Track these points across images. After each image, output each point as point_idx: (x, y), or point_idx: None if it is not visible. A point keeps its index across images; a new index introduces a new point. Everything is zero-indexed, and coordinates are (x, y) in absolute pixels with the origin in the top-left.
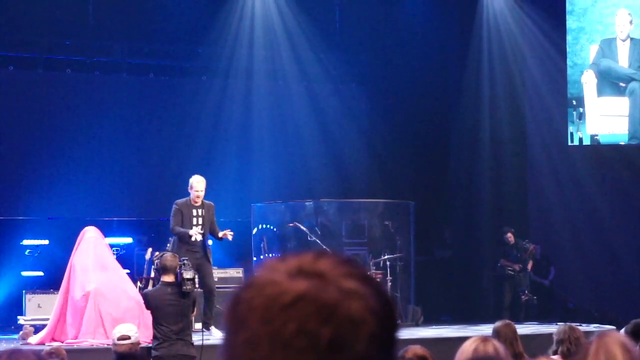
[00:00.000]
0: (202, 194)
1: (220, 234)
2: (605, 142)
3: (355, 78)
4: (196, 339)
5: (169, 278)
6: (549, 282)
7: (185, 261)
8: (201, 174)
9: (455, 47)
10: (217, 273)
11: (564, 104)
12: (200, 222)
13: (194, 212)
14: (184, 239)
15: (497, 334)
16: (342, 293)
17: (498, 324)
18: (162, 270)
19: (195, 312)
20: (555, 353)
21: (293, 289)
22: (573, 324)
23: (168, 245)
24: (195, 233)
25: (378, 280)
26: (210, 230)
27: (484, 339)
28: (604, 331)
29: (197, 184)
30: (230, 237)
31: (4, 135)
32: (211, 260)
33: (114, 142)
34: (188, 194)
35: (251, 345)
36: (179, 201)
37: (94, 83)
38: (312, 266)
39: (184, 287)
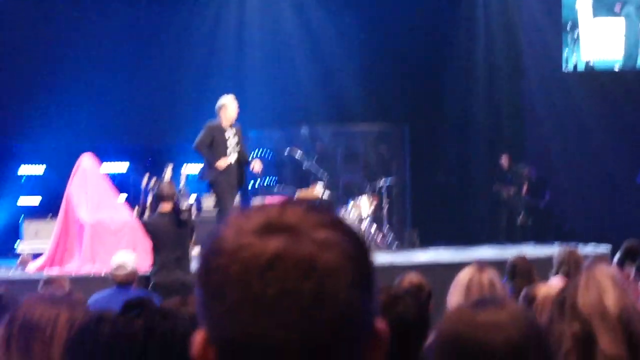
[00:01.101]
0: (236, 114)
1: (251, 165)
2: (600, 68)
3: (348, 2)
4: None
5: (166, 206)
6: (544, 205)
7: (181, 190)
8: (195, 99)
9: None
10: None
11: (558, 27)
12: (233, 146)
13: (227, 135)
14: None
15: (513, 267)
16: (316, 245)
17: (514, 257)
18: (159, 198)
19: (193, 240)
20: (556, 274)
21: (267, 249)
22: (572, 247)
23: (165, 169)
24: (223, 163)
25: (349, 224)
26: (241, 155)
27: (480, 268)
28: (592, 263)
29: (233, 103)
30: (258, 169)
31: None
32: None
33: (109, 68)
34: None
35: (232, 315)
36: (211, 124)
37: (88, 9)
38: (280, 220)
39: (181, 216)
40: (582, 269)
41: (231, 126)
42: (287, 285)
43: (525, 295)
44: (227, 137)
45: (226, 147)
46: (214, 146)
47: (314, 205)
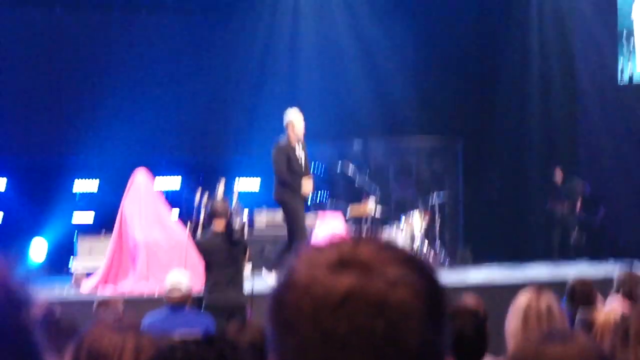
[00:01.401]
0: (304, 129)
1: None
2: None
3: (402, 12)
4: (247, 286)
5: (219, 224)
6: (598, 221)
7: (234, 206)
8: (248, 113)
9: None
10: (266, 215)
11: (614, 39)
12: (303, 162)
13: (297, 152)
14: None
15: (572, 291)
16: (388, 282)
17: (574, 281)
18: (213, 216)
19: (246, 260)
20: (617, 292)
21: (339, 286)
22: (633, 271)
23: (218, 184)
24: (307, 192)
25: (422, 260)
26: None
27: (538, 292)
28: None
29: (299, 118)
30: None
31: (53, 77)
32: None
33: (162, 82)
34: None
35: (304, 350)
36: (281, 143)
37: (142, 23)
38: (353, 256)
39: (234, 236)
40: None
41: (299, 142)
42: (358, 323)
43: (583, 320)
44: (298, 156)
45: (300, 165)
46: (289, 165)
47: (387, 242)
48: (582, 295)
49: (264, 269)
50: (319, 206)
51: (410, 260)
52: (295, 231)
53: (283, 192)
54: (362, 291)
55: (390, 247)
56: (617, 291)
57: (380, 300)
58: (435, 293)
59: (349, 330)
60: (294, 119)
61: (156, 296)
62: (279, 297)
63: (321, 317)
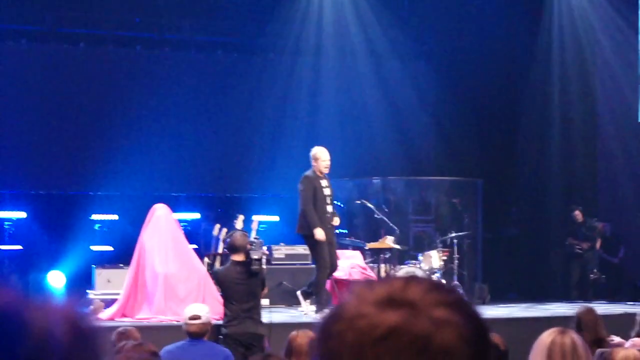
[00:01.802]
0: (328, 167)
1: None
2: None
3: (423, 55)
4: (265, 317)
5: (238, 257)
6: (618, 261)
7: (255, 241)
8: (268, 151)
9: (525, 23)
10: (284, 250)
11: (635, 80)
12: (329, 192)
13: (323, 184)
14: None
15: (579, 320)
16: (433, 323)
17: (580, 310)
18: (232, 249)
19: (265, 291)
20: (637, 335)
21: (384, 321)
22: None
23: (235, 221)
24: (321, 236)
25: (471, 305)
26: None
27: (562, 331)
28: None
29: (324, 154)
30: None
31: (75, 111)
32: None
33: (182, 119)
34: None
35: None
36: (308, 175)
37: (163, 60)
38: (402, 295)
39: (253, 267)
40: None
41: (324, 176)
42: (399, 359)
43: (601, 357)
44: (324, 188)
45: (325, 197)
46: (315, 199)
47: (438, 284)
48: (588, 325)
49: (300, 297)
50: (338, 243)
51: (458, 304)
52: (318, 264)
53: (307, 225)
54: (407, 328)
55: (440, 289)
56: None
57: (424, 339)
58: (481, 338)
59: None
60: (319, 151)
61: (174, 325)
62: (326, 327)
63: (364, 350)
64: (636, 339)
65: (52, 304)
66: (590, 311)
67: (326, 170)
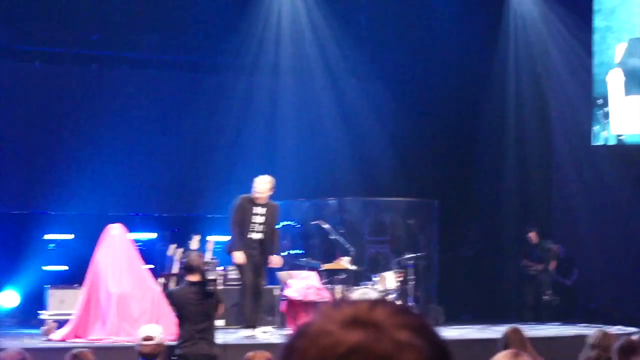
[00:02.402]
0: (259, 194)
1: (270, 260)
2: (631, 142)
3: (380, 75)
4: (219, 338)
5: (194, 277)
6: (571, 283)
7: (211, 262)
8: (225, 171)
9: (481, 45)
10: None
11: (589, 103)
12: (261, 220)
13: (254, 209)
14: (238, 240)
15: (506, 339)
16: (396, 345)
17: (507, 329)
18: (188, 269)
19: (220, 312)
20: (587, 359)
21: (347, 340)
22: (606, 329)
23: (190, 241)
24: (239, 259)
25: (435, 329)
26: (269, 231)
27: (515, 354)
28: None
29: (258, 183)
30: (275, 264)
31: (29, 130)
32: (276, 253)
33: (139, 138)
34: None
35: None
36: (241, 197)
37: (120, 78)
38: (367, 315)
39: (208, 288)
40: (614, 352)
41: (262, 204)
42: None
43: None
44: (254, 212)
45: (252, 228)
46: (243, 220)
47: (404, 307)
48: (515, 343)
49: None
50: (293, 264)
51: (423, 327)
52: (241, 286)
53: (232, 245)
54: (369, 348)
55: (406, 312)
56: (590, 357)
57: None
58: None
59: None
60: (256, 179)
61: (128, 345)
62: (290, 343)
63: None
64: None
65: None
66: (517, 331)
67: (259, 199)
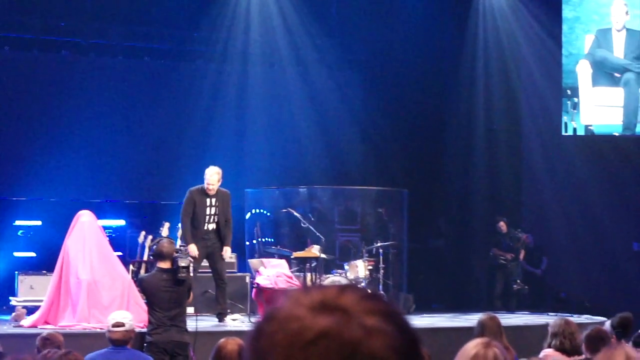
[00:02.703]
0: (212, 186)
1: (224, 250)
2: (600, 133)
3: (350, 64)
4: (190, 325)
5: (164, 264)
6: (541, 272)
7: (182, 248)
8: (195, 158)
9: (450, 35)
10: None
11: (558, 93)
12: (213, 211)
13: (207, 201)
14: (190, 232)
15: (482, 326)
16: (364, 330)
17: (483, 317)
18: (158, 256)
19: (190, 299)
20: (549, 346)
21: (315, 325)
22: (568, 317)
23: (161, 228)
24: (194, 252)
25: (404, 315)
26: (222, 219)
27: (486, 344)
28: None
29: (208, 175)
30: (226, 258)
31: None
32: (228, 244)
33: (108, 124)
34: (190, 180)
35: None
36: (192, 189)
37: (89, 65)
38: (336, 301)
39: (179, 275)
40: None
41: (215, 193)
42: None
43: None
44: (207, 204)
45: (203, 220)
46: (196, 213)
47: (372, 293)
48: (491, 330)
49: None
50: (264, 252)
51: (391, 313)
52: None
53: (184, 238)
54: (337, 334)
55: (375, 298)
56: (551, 343)
57: (353, 345)
58: (411, 349)
59: None
60: (207, 170)
61: (97, 333)
62: (258, 327)
63: (293, 352)
64: (548, 350)
65: None
66: (493, 318)
67: (209, 190)
